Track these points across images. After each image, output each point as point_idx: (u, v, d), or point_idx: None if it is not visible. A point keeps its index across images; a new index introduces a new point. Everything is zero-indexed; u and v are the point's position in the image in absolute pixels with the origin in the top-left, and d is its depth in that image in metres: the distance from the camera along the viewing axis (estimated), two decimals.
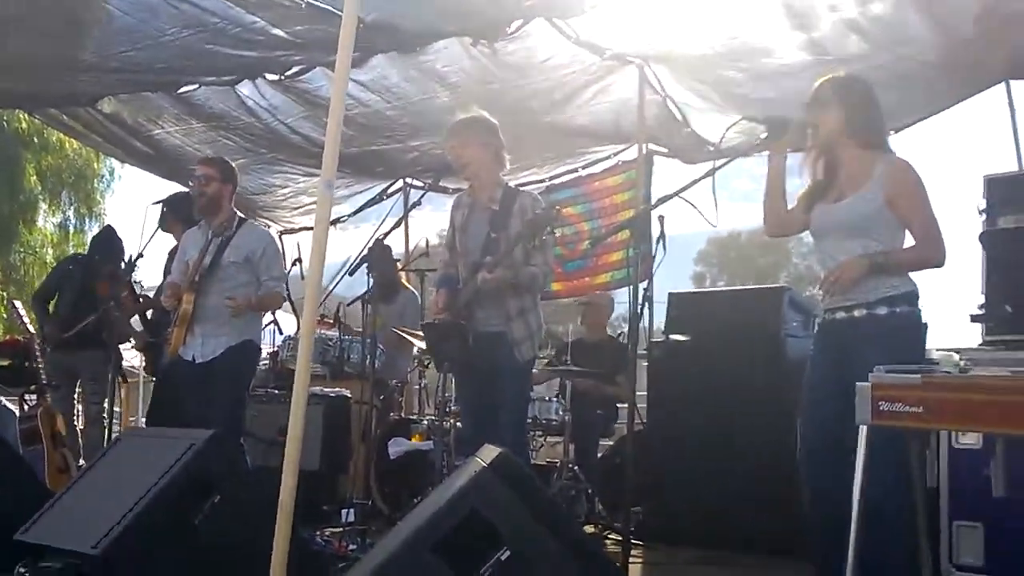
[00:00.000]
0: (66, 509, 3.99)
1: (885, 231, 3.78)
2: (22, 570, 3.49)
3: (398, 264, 7.72)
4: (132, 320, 7.18)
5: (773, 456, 5.31)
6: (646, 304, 5.81)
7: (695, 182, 4.17)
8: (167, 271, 6.47)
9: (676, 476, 5.99)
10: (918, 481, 3.55)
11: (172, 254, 6.47)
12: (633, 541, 5.32)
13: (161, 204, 6.52)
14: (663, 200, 4.20)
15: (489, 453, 2.95)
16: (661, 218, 5.05)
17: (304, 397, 2.95)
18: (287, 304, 7.82)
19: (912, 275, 3.78)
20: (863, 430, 3.07)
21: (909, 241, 3.79)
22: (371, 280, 5.84)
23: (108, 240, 7.42)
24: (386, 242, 6.48)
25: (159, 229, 6.44)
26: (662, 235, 5.16)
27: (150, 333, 7.01)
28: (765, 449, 5.53)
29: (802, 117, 3.97)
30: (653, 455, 5.97)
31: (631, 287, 4.19)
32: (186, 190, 6.56)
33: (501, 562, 2.66)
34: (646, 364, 6.51)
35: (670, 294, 6.54)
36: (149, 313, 7.14)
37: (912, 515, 3.56)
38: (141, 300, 7.21)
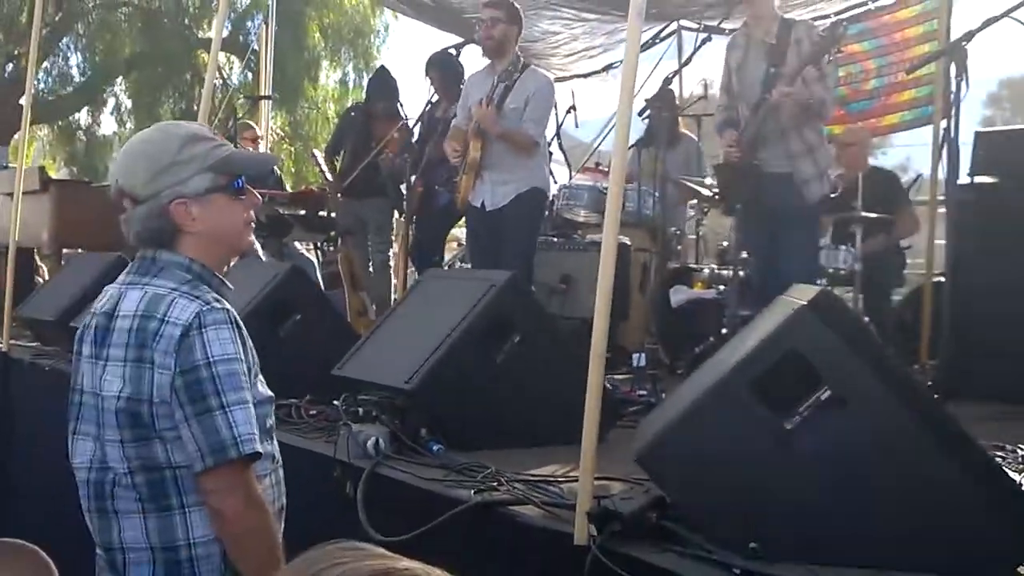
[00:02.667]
0: (377, 347, 4.21)
1: None
2: (342, 404, 3.69)
3: (679, 110, 7.50)
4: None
5: None
6: (946, 144, 5.43)
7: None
8: (429, 123, 6.60)
9: (977, 328, 5.62)
10: None
11: (429, 107, 6.65)
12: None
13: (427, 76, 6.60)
14: (992, 22, 3.82)
15: (806, 292, 2.83)
16: (965, 50, 4.65)
17: (614, 244, 2.91)
18: (560, 154, 7.84)
19: None
20: None
21: None
22: (650, 126, 5.68)
23: (382, 80, 7.60)
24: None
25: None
26: (964, 69, 4.77)
27: (425, 183, 7.17)
28: None
29: None
30: (952, 306, 5.62)
31: (933, 126, 3.88)
32: (447, 50, 6.65)
33: (820, 401, 2.57)
34: (943, 210, 6.09)
35: (978, 132, 6.02)
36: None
37: None
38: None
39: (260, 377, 2.35)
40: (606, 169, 7.44)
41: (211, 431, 2.12)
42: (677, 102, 7.52)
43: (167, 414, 2.15)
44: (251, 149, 8.24)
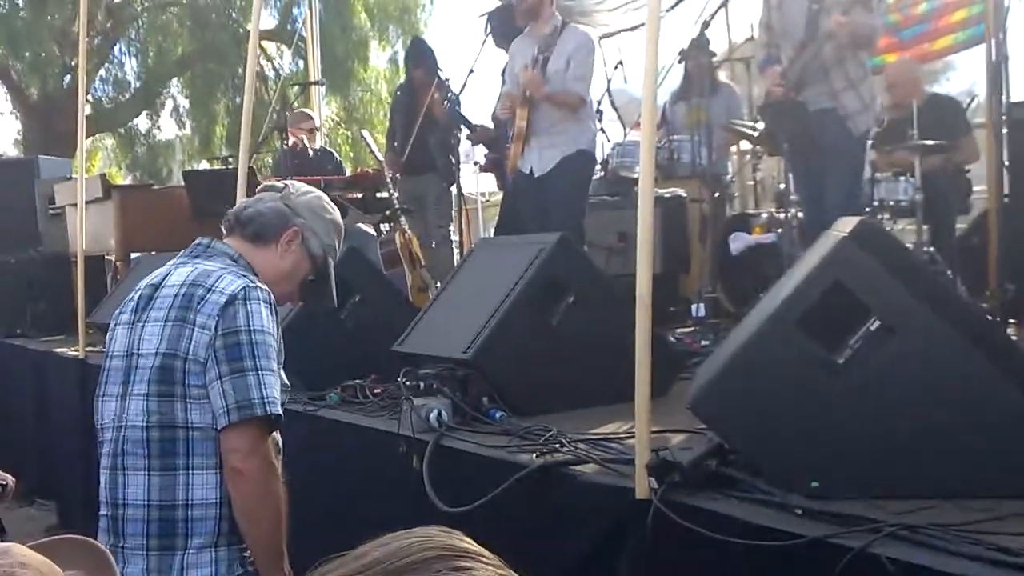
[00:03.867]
0: (434, 320, 4.26)
1: None
2: (403, 380, 3.74)
3: (714, 55, 7.38)
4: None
5: None
6: (1003, 64, 5.31)
7: None
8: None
9: None
10: None
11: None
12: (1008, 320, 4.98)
13: (485, 17, 6.56)
14: None
15: (848, 223, 2.80)
16: None
17: (651, 196, 2.89)
18: (613, 111, 7.79)
19: None
20: None
21: None
22: (686, 75, 5.59)
23: (416, 48, 7.67)
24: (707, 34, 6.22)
25: (486, 43, 6.52)
26: None
27: (498, 153, 7.16)
28: None
29: None
30: (1020, 229, 5.48)
31: (986, 44, 3.80)
32: (507, 1, 6.60)
33: (871, 332, 2.54)
34: (1005, 131, 5.92)
35: None
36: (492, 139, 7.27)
37: None
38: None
39: (282, 368, 2.47)
40: (657, 121, 7.38)
41: (242, 388, 2.27)
42: (719, 47, 7.40)
43: (199, 371, 2.30)
44: (306, 139, 8.35)
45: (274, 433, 2.40)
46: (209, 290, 2.34)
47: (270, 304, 2.39)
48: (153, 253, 7.47)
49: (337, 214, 2.74)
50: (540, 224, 5.36)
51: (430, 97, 6.83)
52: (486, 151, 7.26)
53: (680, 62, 5.63)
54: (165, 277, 2.45)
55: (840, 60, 4.77)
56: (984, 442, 2.48)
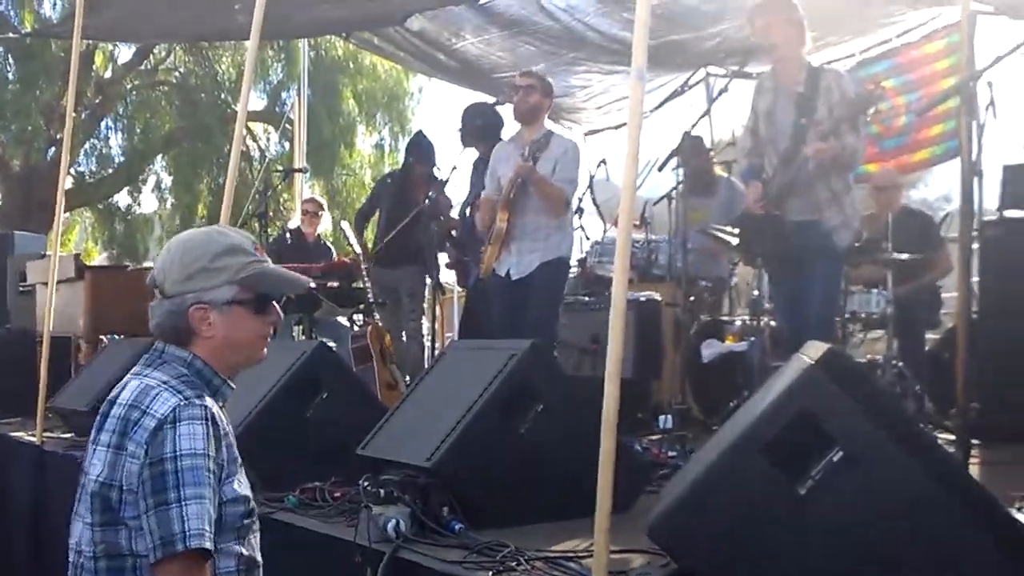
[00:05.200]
0: (400, 424, 4.20)
1: None
2: (365, 484, 3.68)
3: (712, 155, 7.46)
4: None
5: None
6: (975, 179, 5.36)
7: None
8: (472, 183, 6.60)
9: (1014, 369, 5.51)
10: None
11: (476, 166, 6.59)
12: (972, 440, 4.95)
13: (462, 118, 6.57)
14: (999, 60, 3.77)
15: (816, 350, 2.79)
16: (990, 83, 4.63)
17: (623, 304, 2.88)
18: (594, 207, 7.83)
19: None
20: None
21: None
22: (684, 175, 5.62)
23: (418, 142, 7.67)
24: (695, 133, 6.27)
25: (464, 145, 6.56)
26: (991, 101, 4.75)
27: (459, 251, 7.18)
28: None
29: None
30: (988, 346, 5.50)
31: (961, 160, 3.87)
32: (485, 101, 6.66)
33: (833, 463, 2.52)
34: (977, 246, 5.98)
35: (1005, 166, 5.98)
36: (454, 231, 7.30)
37: None
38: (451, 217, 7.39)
39: (239, 476, 2.38)
40: (637, 222, 7.42)
41: (164, 523, 2.17)
42: (710, 147, 7.47)
43: (133, 502, 2.22)
44: (304, 220, 8.43)
45: (233, 545, 2.31)
46: (144, 413, 2.26)
47: (205, 419, 2.27)
48: (122, 337, 7.43)
49: (204, 243, 2.42)
50: (512, 327, 5.35)
51: (419, 189, 6.86)
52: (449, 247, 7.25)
53: (662, 168, 5.65)
54: (120, 393, 2.38)
55: (824, 174, 4.81)
56: None
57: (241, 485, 2.37)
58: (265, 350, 2.52)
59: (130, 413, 2.28)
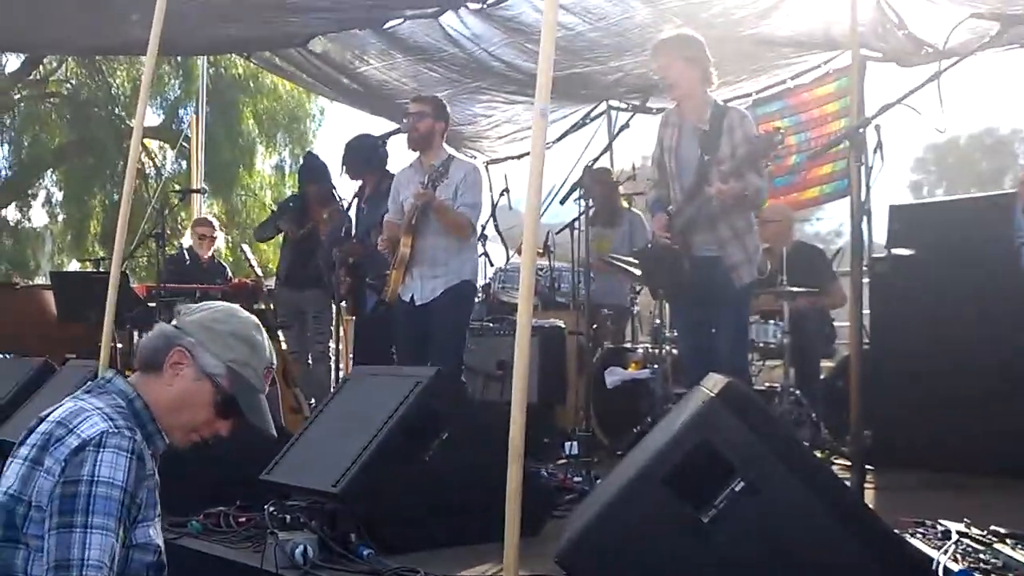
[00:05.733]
0: (304, 449, 4.18)
1: None
2: (271, 509, 3.66)
3: (619, 187, 7.57)
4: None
5: (1007, 373, 5.15)
6: (864, 218, 5.56)
7: (921, 86, 3.93)
8: (358, 212, 6.61)
9: (905, 397, 5.75)
10: None
11: (357, 195, 6.61)
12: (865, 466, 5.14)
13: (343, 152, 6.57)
14: (887, 108, 3.95)
15: (715, 382, 2.89)
16: (878, 127, 4.82)
17: (528, 331, 2.94)
18: (496, 235, 7.90)
19: None
20: None
21: None
22: (586, 206, 5.70)
23: (309, 165, 7.62)
24: (598, 166, 6.37)
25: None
26: (879, 144, 4.93)
27: (353, 279, 7.13)
28: (999, 366, 5.32)
29: None
30: (879, 376, 5.72)
31: (851, 200, 4.03)
32: (369, 134, 6.69)
33: (735, 492, 2.61)
34: (867, 281, 6.22)
35: (891, 206, 6.22)
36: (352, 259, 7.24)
37: None
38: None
39: (156, 522, 2.33)
40: (540, 250, 7.50)
41: (63, 547, 2.10)
42: (615, 179, 7.59)
43: (39, 520, 2.16)
44: (199, 244, 8.29)
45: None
46: (70, 431, 2.20)
47: (133, 453, 2.19)
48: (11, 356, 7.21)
49: (243, 324, 2.47)
50: (418, 353, 5.36)
51: (319, 219, 6.83)
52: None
53: (563, 201, 5.72)
54: (51, 412, 2.31)
55: (726, 213, 4.91)
56: None
57: (156, 534, 2.32)
58: (192, 441, 2.46)
59: (55, 430, 2.22)
